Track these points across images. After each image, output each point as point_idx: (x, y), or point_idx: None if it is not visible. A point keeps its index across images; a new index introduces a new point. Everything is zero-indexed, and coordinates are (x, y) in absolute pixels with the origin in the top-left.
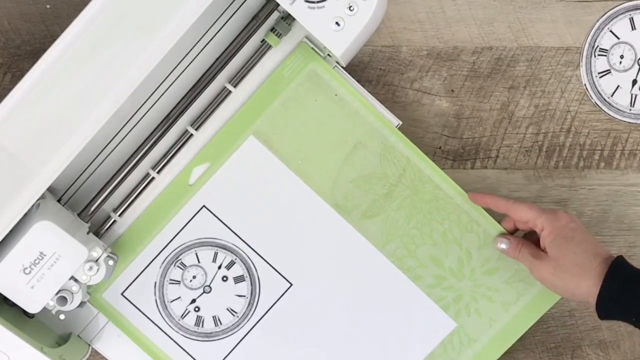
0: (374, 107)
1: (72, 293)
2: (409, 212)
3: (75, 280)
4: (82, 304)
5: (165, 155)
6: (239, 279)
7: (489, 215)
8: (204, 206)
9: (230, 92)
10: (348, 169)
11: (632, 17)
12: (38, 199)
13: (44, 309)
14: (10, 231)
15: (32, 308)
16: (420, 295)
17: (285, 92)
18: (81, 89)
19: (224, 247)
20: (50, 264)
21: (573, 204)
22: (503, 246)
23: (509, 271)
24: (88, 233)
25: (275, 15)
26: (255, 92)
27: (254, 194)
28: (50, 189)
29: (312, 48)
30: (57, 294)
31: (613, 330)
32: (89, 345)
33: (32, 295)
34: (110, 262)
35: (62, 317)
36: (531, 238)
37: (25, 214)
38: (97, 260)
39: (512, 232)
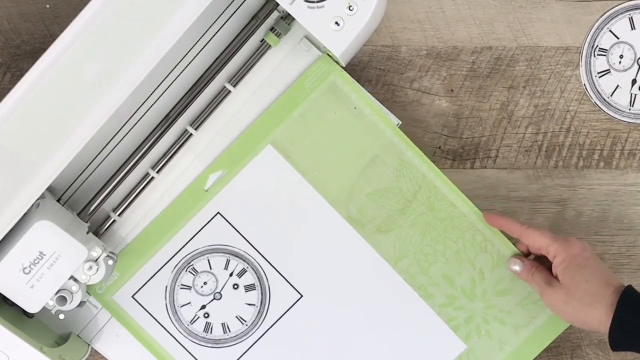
0: (392, 122)
1: (72, 293)
2: (423, 229)
3: (75, 280)
4: (82, 303)
5: (165, 155)
6: (250, 288)
7: (504, 236)
8: (218, 213)
9: (230, 92)
10: (364, 182)
11: (632, 17)
12: (38, 199)
13: (44, 308)
14: (10, 231)
15: (32, 308)
16: (431, 315)
17: (306, 102)
18: (81, 89)
19: (237, 255)
20: (50, 264)
21: (573, 204)
22: (517, 268)
23: (522, 293)
24: (88, 233)
25: (275, 15)
26: (276, 101)
27: (269, 203)
28: (50, 189)
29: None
30: (57, 294)
31: None
32: (89, 345)
33: (32, 295)
34: (110, 262)
35: (61, 317)
36: (544, 263)
37: (25, 214)
38: (96, 260)
39: (526, 256)
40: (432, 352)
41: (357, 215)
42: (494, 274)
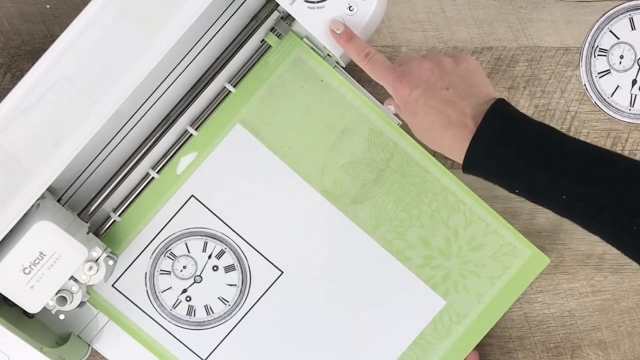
0: (361, 92)
1: (72, 293)
2: (397, 196)
3: (75, 280)
4: (81, 303)
5: (165, 155)
6: (229, 268)
7: (475, 194)
8: (192, 196)
9: (230, 92)
10: (336, 155)
11: (632, 17)
12: (38, 199)
13: (44, 308)
14: (10, 231)
15: (32, 308)
16: (409, 276)
17: (271, 79)
18: (81, 89)
19: (214, 237)
20: (50, 264)
21: None
22: (392, 107)
23: (495, 246)
24: (88, 233)
25: (275, 15)
26: (242, 80)
27: (242, 182)
28: (50, 189)
29: (312, 48)
30: (56, 294)
31: (613, 330)
32: (89, 345)
33: (32, 295)
34: (110, 262)
35: (62, 317)
36: None
37: (25, 214)
38: (96, 260)
39: None
40: (414, 311)
41: (331, 188)
42: (467, 231)
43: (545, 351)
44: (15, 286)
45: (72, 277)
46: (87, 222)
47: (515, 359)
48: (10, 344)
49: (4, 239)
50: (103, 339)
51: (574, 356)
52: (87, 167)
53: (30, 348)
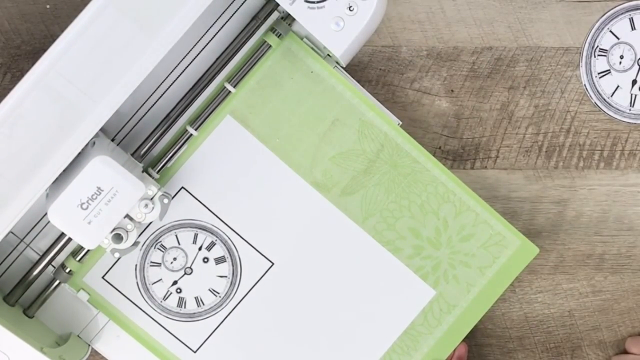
0: (351, 84)
1: (127, 231)
2: (387, 187)
3: (130, 218)
4: (135, 243)
5: (164, 156)
6: (220, 260)
7: (465, 185)
8: (182, 187)
9: (230, 92)
10: (326, 146)
11: (632, 17)
12: (93, 137)
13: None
14: (67, 168)
15: (89, 244)
16: (400, 267)
17: (261, 70)
18: (80, 90)
19: (204, 229)
20: (108, 200)
21: (573, 204)
22: None
23: (484, 236)
24: (142, 172)
25: (275, 15)
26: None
27: (233, 174)
28: (102, 130)
29: (312, 48)
30: (112, 232)
31: (613, 330)
32: (89, 345)
33: (89, 230)
34: (165, 201)
35: (117, 255)
36: None
37: (81, 152)
38: (152, 199)
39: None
40: (404, 302)
41: (321, 179)
42: (457, 221)
43: (545, 351)
44: (72, 221)
45: (127, 216)
46: (140, 163)
47: (515, 359)
48: (10, 344)
49: (60, 175)
50: (103, 339)
51: (574, 356)
52: None
53: (30, 348)
